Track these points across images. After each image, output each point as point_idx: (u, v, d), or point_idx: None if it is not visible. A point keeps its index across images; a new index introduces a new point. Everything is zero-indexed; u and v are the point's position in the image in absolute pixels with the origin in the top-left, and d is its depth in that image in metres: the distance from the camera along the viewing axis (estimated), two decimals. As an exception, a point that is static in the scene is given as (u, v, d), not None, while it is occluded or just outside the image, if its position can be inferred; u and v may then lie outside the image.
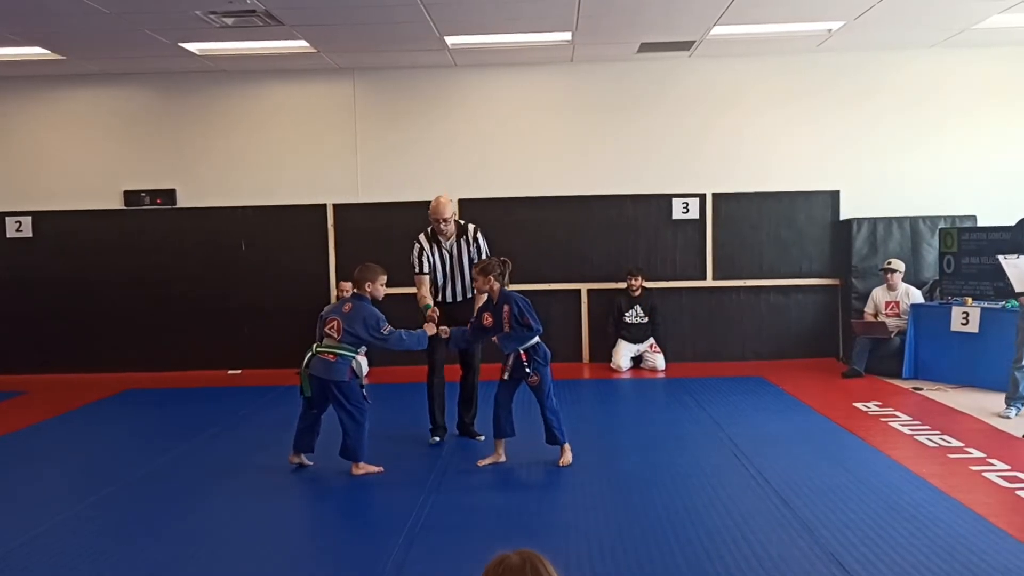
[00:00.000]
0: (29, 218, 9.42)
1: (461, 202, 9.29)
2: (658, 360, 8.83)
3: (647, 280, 9.05)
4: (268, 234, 9.36)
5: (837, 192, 9.22)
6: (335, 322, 5.25)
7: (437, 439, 6.14)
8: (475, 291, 5.98)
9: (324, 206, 9.34)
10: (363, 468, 5.28)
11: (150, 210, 9.41)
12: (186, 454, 5.97)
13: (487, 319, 5.47)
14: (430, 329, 5.68)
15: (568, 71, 9.28)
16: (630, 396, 7.94)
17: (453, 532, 4.26)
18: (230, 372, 9.21)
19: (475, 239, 6.22)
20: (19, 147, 9.43)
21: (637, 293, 8.91)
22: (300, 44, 8.20)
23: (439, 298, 6.25)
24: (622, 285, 9.14)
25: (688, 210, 9.29)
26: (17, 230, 9.42)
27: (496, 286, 5.40)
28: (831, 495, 4.69)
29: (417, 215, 9.22)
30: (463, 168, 9.32)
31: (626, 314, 8.89)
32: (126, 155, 9.41)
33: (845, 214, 9.19)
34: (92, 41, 7.93)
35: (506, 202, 9.30)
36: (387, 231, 9.08)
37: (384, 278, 5.39)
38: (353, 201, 9.33)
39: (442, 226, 6.08)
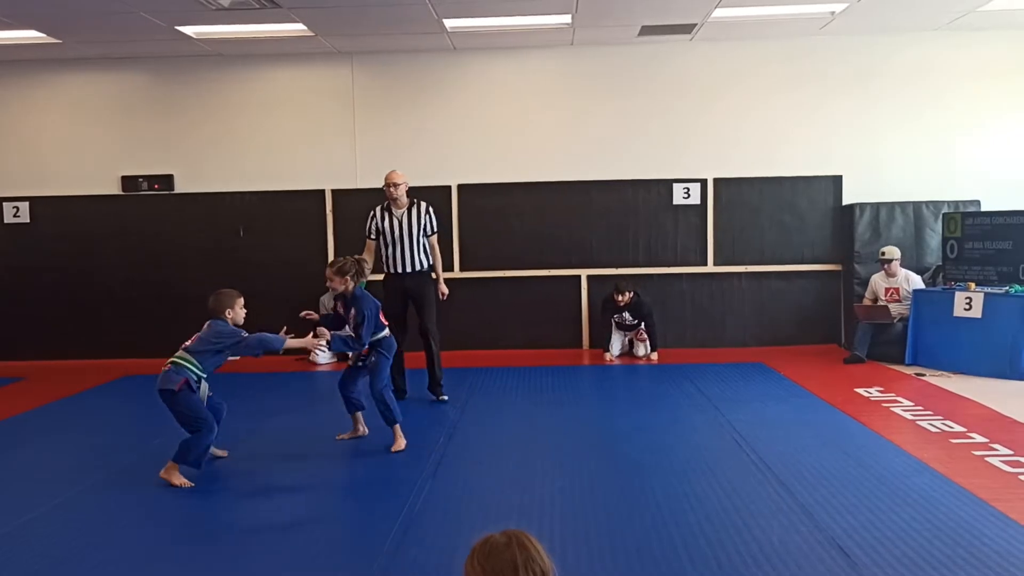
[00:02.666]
0: (27, 203, 9.37)
1: (461, 187, 9.25)
2: (641, 348, 8.71)
3: (638, 286, 8.75)
4: (266, 220, 9.31)
5: (840, 177, 9.15)
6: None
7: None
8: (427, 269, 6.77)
9: (323, 191, 9.29)
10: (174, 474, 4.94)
11: (148, 195, 9.35)
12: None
13: (340, 308, 5.58)
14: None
15: (568, 55, 9.20)
16: (629, 382, 7.89)
17: (448, 517, 4.22)
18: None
19: (427, 212, 6.89)
20: (16, 132, 9.37)
21: (624, 305, 8.65)
22: (298, 27, 8.13)
23: (393, 269, 6.77)
24: (623, 271, 9.08)
25: (689, 195, 9.23)
26: (15, 215, 9.37)
27: (351, 286, 5.42)
28: (832, 480, 4.65)
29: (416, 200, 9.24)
30: (462, 153, 9.25)
31: (615, 317, 8.76)
32: (123, 140, 9.35)
33: (848, 199, 9.12)
34: (88, 24, 7.86)
35: (505, 187, 9.24)
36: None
37: (241, 300, 5.13)
38: (351, 187, 9.27)
39: (392, 191, 6.74)
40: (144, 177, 9.33)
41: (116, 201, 9.36)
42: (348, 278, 5.42)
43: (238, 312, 5.10)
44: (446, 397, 6.87)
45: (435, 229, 6.95)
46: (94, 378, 8.23)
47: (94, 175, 9.34)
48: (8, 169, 9.37)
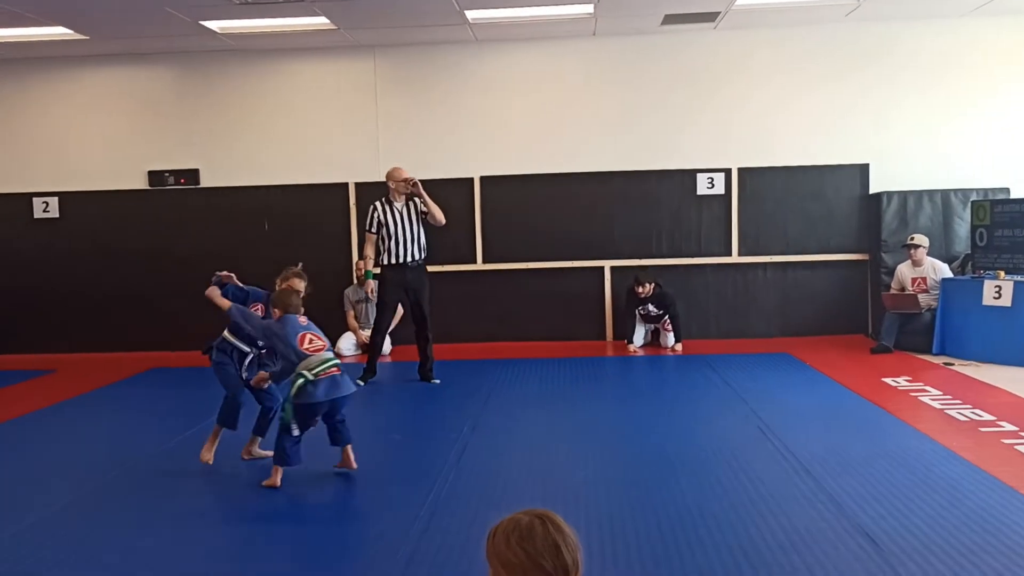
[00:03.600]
0: (56, 199, 9.49)
1: (483, 179, 9.25)
2: (668, 338, 8.70)
3: (660, 277, 8.74)
4: (291, 213, 9.36)
5: (866, 165, 9.06)
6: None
7: (361, 383, 6.98)
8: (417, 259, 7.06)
9: (346, 185, 9.33)
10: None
11: (174, 190, 9.44)
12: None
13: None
14: (367, 288, 7.17)
15: (590, 45, 9.16)
16: (653, 373, 7.87)
17: (471, 506, 4.23)
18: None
19: (423, 201, 7.13)
20: (45, 128, 9.48)
21: (647, 296, 8.65)
22: (320, 21, 8.16)
23: (395, 260, 7.03)
24: (646, 262, 9.05)
25: (713, 185, 9.17)
26: (44, 211, 9.49)
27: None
28: (859, 468, 4.61)
29: (439, 193, 9.24)
30: (485, 145, 9.25)
31: (639, 309, 8.74)
32: (150, 135, 9.44)
33: (874, 187, 9.02)
34: (114, 20, 7.94)
35: (528, 179, 9.23)
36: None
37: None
38: (374, 180, 9.28)
39: (400, 188, 7.06)
40: (170, 172, 9.42)
41: (143, 196, 9.46)
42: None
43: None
44: (438, 381, 7.21)
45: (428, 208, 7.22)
46: (123, 371, 8.32)
47: (121, 170, 9.44)
48: (38, 165, 9.49)
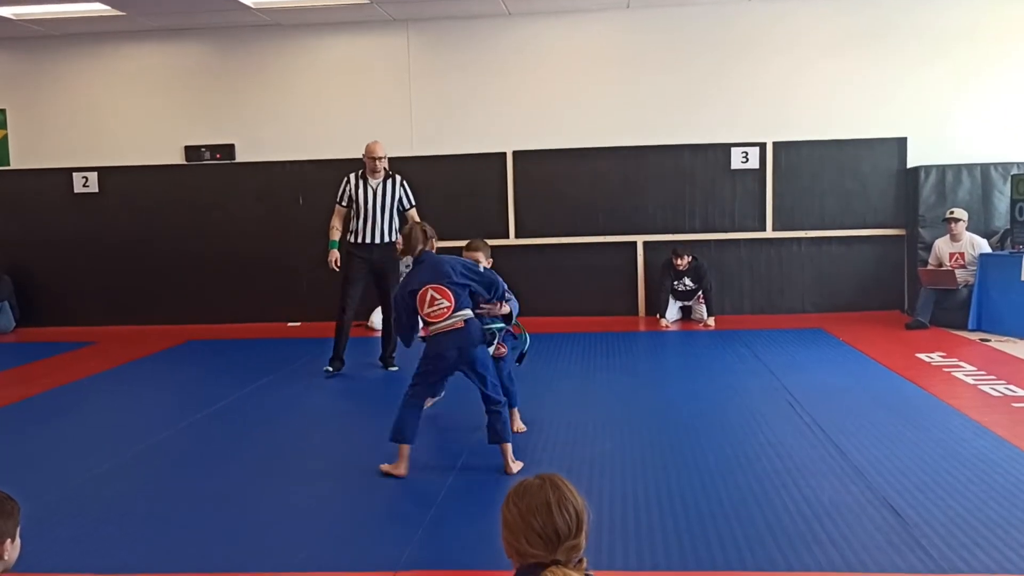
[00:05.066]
0: (95, 174, 9.66)
1: (516, 154, 9.25)
2: (702, 310, 8.68)
3: (695, 252, 8.77)
4: (325, 188, 9.33)
5: (904, 139, 8.90)
6: None
7: (331, 369, 6.69)
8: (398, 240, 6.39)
9: (379, 159, 9.37)
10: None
11: (210, 165, 9.56)
12: (244, 398, 6.12)
13: None
14: (330, 262, 6.66)
15: (624, 18, 9.09)
16: (684, 348, 7.85)
17: (495, 476, 4.27)
18: (289, 324, 9.37)
19: (401, 185, 6.84)
20: (84, 103, 9.64)
21: (684, 269, 8.69)
22: (353, -5, 8.18)
23: (361, 239, 6.71)
24: (679, 237, 9.01)
25: (748, 159, 9.08)
26: (84, 185, 9.67)
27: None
28: (887, 442, 4.58)
29: (472, 167, 9.30)
30: (517, 119, 9.23)
31: (675, 283, 8.74)
32: (186, 111, 9.56)
33: (912, 162, 8.88)
34: (150, -4, 8.04)
35: (561, 153, 9.21)
36: (441, 184, 9.11)
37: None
38: (408, 154, 9.33)
39: (377, 164, 6.70)
40: (206, 147, 9.54)
41: (180, 171, 9.60)
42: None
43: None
44: (396, 368, 6.78)
45: (412, 203, 6.89)
46: (161, 343, 8.49)
47: (159, 145, 9.58)
48: (78, 140, 9.66)
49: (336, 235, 6.82)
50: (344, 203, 6.81)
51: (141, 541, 3.62)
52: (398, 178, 6.87)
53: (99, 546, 3.57)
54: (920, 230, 8.65)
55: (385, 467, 4.33)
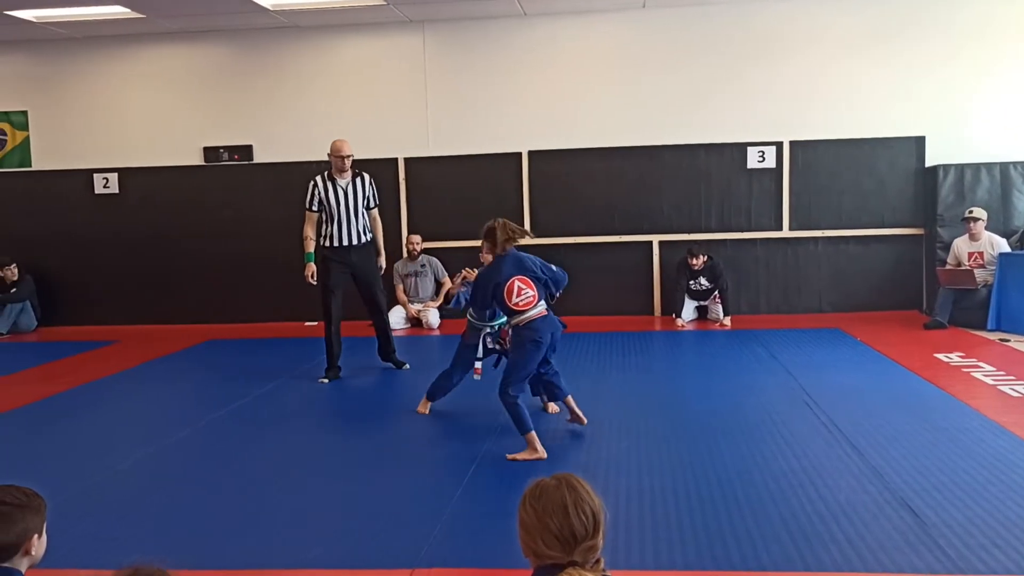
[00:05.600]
0: (115, 174, 9.75)
1: (532, 154, 9.26)
2: (718, 310, 8.67)
3: (710, 251, 8.76)
4: (342, 188, 9.47)
5: (922, 138, 8.86)
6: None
7: (326, 380, 6.54)
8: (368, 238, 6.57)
9: (395, 160, 9.42)
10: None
11: (228, 166, 9.63)
12: (263, 397, 6.17)
13: None
14: (307, 276, 6.51)
15: (639, 18, 9.08)
16: (700, 347, 7.84)
17: (511, 473, 4.30)
18: (307, 324, 9.41)
19: (370, 183, 6.72)
20: (104, 105, 9.73)
21: (700, 268, 8.68)
22: (370, -4, 8.22)
23: (337, 243, 6.54)
24: (695, 237, 9.00)
25: (764, 159, 9.05)
26: (104, 186, 9.76)
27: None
28: (905, 442, 4.57)
29: (488, 167, 9.31)
30: (533, 119, 9.25)
31: (691, 282, 8.73)
32: (204, 112, 9.64)
33: (931, 161, 8.82)
34: (169, -1, 8.11)
35: (577, 153, 9.21)
36: (457, 184, 9.15)
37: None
38: (423, 155, 9.38)
39: (346, 162, 6.53)
40: (225, 148, 9.61)
41: (199, 172, 9.67)
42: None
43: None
44: (408, 366, 6.84)
45: (377, 202, 6.80)
46: (181, 342, 8.56)
47: (178, 146, 9.65)
48: (98, 141, 9.75)
49: (311, 246, 6.60)
50: (315, 208, 6.58)
51: (161, 537, 3.67)
52: (366, 176, 6.75)
53: (120, 542, 3.61)
54: (939, 229, 8.60)
55: (520, 455, 4.52)
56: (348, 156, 6.57)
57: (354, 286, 6.73)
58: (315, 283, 6.60)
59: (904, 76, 8.80)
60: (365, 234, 6.65)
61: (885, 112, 8.85)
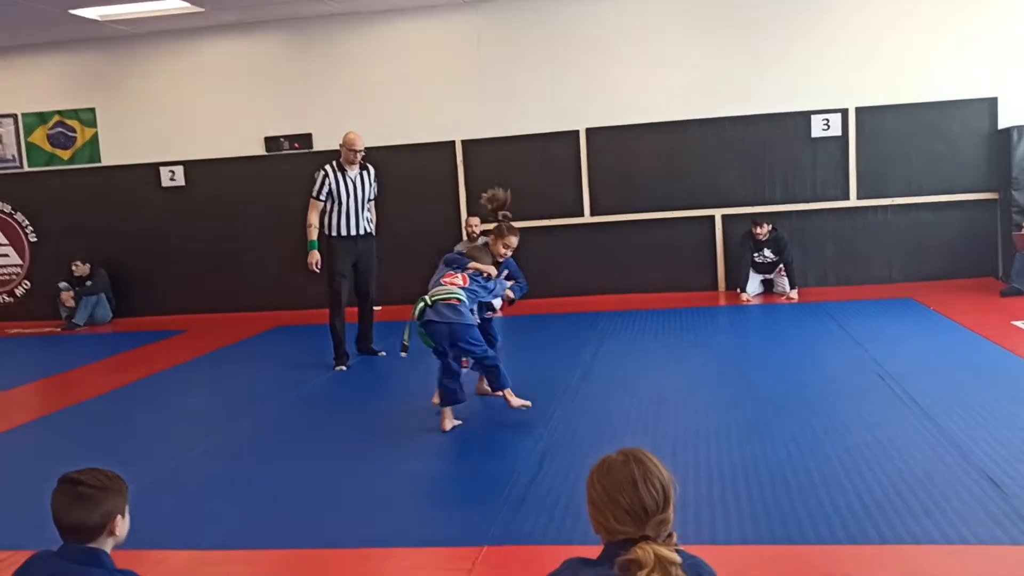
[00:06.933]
0: (181, 167, 9.96)
1: (589, 131, 9.18)
2: (784, 283, 8.50)
3: (775, 223, 8.59)
4: (400, 173, 9.49)
5: (994, 99, 8.53)
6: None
7: (344, 368, 6.57)
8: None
9: (452, 143, 9.43)
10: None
11: (289, 155, 9.76)
12: (330, 380, 6.27)
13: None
14: (310, 264, 6.53)
15: (696, -12, 8.92)
16: (766, 321, 7.71)
17: (579, 452, 4.28)
18: (375, 308, 9.50)
19: (375, 175, 6.83)
20: (167, 100, 9.93)
21: (765, 238, 8.53)
22: (422, -21, 8.22)
23: (344, 232, 6.62)
24: (758, 209, 8.84)
25: (829, 127, 8.82)
26: (171, 179, 9.98)
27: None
28: (983, 412, 4.44)
29: (544, 146, 9.27)
30: (589, 96, 9.15)
31: (756, 255, 8.58)
32: (264, 102, 9.76)
33: (1004, 122, 8.50)
34: (226, -9, 8.22)
35: (635, 129, 9.10)
36: (515, 164, 9.12)
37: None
38: (480, 136, 9.36)
39: (357, 156, 6.62)
40: (285, 137, 9.74)
41: (261, 161, 9.82)
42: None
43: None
44: (384, 353, 6.91)
45: (377, 193, 6.91)
46: (249, 329, 8.73)
47: (240, 137, 9.81)
48: (164, 136, 9.96)
49: (314, 234, 6.65)
50: (323, 197, 6.60)
51: (236, 518, 3.75)
52: (372, 169, 6.86)
53: (198, 523, 3.71)
54: (1013, 193, 8.29)
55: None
56: (361, 151, 6.68)
57: (354, 277, 6.83)
58: (318, 271, 6.67)
59: (973, 35, 8.48)
60: (369, 225, 6.80)
61: (954, 73, 8.55)
